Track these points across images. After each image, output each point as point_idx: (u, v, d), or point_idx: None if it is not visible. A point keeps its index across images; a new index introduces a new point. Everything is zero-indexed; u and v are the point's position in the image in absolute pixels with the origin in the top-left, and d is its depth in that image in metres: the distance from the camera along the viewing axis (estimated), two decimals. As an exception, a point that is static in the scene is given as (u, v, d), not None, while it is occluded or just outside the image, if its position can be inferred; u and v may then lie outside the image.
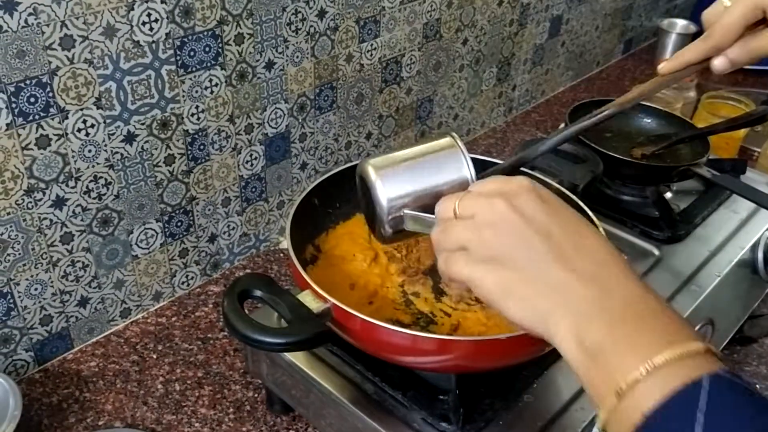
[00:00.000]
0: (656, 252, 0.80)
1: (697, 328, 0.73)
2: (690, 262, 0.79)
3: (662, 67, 0.62)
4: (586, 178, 0.74)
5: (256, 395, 0.77)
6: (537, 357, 0.59)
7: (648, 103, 0.99)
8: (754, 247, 0.83)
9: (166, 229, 0.84)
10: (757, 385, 0.81)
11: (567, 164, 0.76)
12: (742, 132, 1.13)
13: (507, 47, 1.22)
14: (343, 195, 0.73)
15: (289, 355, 0.66)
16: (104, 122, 0.72)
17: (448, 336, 0.56)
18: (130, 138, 0.75)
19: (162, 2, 0.71)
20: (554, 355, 0.66)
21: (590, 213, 0.68)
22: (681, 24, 1.53)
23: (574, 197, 0.70)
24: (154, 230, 0.83)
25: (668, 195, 0.90)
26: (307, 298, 0.55)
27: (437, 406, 0.60)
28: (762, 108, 0.89)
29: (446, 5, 1.04)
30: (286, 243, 0.62)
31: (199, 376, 0.79)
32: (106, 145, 0.73)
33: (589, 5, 1.38)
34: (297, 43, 0.86)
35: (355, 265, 0.70)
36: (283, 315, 0.54)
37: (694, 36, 1.54)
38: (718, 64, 0.59)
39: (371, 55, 0.97)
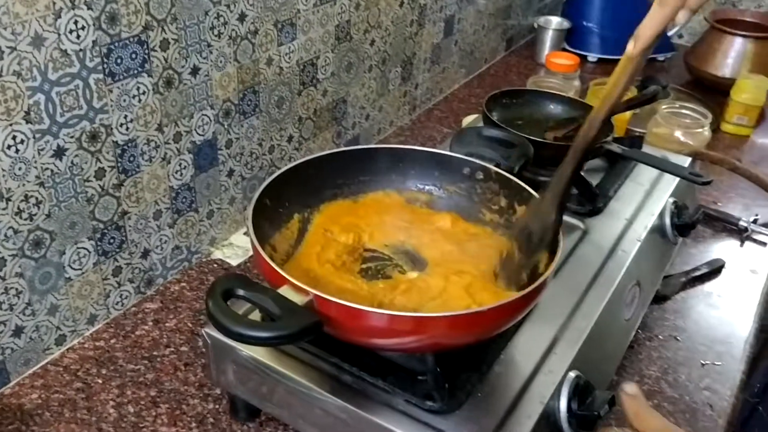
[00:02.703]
0: (581, 225, 0.87)
1: (628, 288, 0.80)
2: (612, 231, 0.86)
3: (630, 48, 0.60)
4: (520, 161, 0.78)
5: (217, 406, 0.75)
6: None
7: (552, 91, 1.07)
8: (662, 214, 0.91)
9: (99, 248, 0.80)
10: (677, 337, 0.89)
11: (500, 149, 0.80)
12: (628, 114, 1.24)
13: (409, 47, 1.26)
14: (291, 194, 0.74)
15: (261, 356, 0.65)
16: (33, 137, 0.68)
17: (436, 314, 0.58)
18: (59, 152, 0.71)
19: (88, 9, 0.68)
20: (514, 327, 0.70)
21: (532, 191, 0.73)
22: (556, 21, 1.65)
23: (516, 179, 0.74)
24: (86, 249, 0.78)
25: (581, 173, 0.97)
26: (288, 293, 0.55)
27: (418, 387, 0.62)
28: (653, 89, 0.99)
29: (355, 7, 1.07)
30: (252, 242, 0.61)
31: (152, 395, 0.76)
32: (36, 162, 0.69)
33: (475, 5, 1.46)
34: (220, 47, 0.85)
35: (312, 260, 0.70)
36: (271, 311, 0.53)
37: (569, 31, 1.66)
38: (682, 17, 0.58)
39: (289, 58, 0.97)
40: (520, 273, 0.67)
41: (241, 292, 0.55)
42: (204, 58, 0.84)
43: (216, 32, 0.84)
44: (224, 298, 0.54)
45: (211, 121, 0.88)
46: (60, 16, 0.66)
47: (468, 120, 1.30)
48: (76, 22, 0.68)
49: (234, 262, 0.96)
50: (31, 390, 0.75)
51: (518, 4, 1.66)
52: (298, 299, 0.55)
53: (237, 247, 0.99)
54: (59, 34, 0.66)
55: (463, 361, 0.66)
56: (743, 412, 0.79)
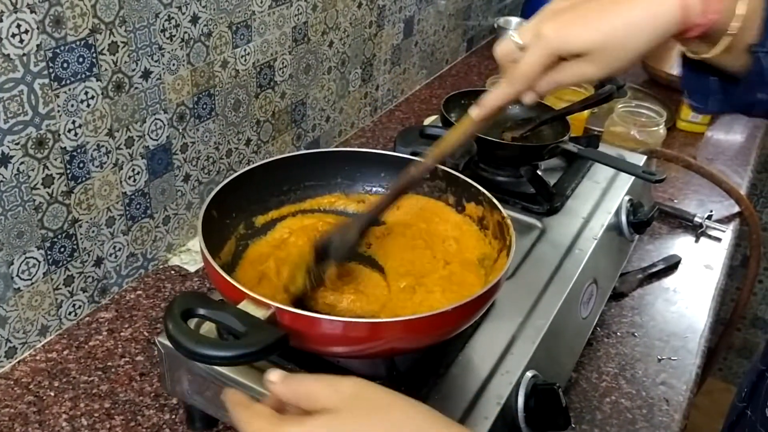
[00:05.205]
0: (539, 224, 0.87)
1: (585, 287, 0.80)
2: (569, 230, 0.87)
3: (475, 113, 0.61)
4: (464, 158, 0.79)
5: (173, 417, 0.74)
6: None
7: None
8: (618, 212, 0.92)
9: (49, 257, 0.78)
10: (635, 333, 0.90)
11: None
12: (586, 113, 1.25)
13: (368, 48, 1.26)
14: (237, 205, 0.73)
15: (217, 367, 0.64)
16: (-25, 144, 0.66)
17: (397, 318, 0.57)
18: (4, 160, 0.69)
19: (32, 12, 0.66)
20: (471, 328, 0.70)
21: (479, 187, 0.73)
22: (515, 21, 1.67)
23: (462, 177, 0.74)
24: (35, 259, 0.76)
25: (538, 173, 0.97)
26: (249, 308, 0.54)
27: (375, 391, 0.61)
28: (609, 88, 0.99)
29: (312, 8, 1.06)
30: (206, 258, 0.60)
31: (106, 407, 0.74)
32: (-22, 170, 0.67)
33: (435, 6, 1.46)
34: (172, 50, 0.84)
35: (258, 268, 0.69)
36: (235, 328, 0.52)
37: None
38: (528, 99, 0.59)
39: (245, 60, 0.96)
40: (302, 277, 0.66)
41: (201, 311, 0.53)
42: (156, 62, 0.82)
43: (167, 35, 0.82)
44: (184, 318, 0.52)
45: (164, 125, 0.87)
46: (1, 20, 0.64)
47: (429, 121, 1.30)
48: (18, 26, 0.66)
49: (192, 269, 0.95)
50: (-21, 405, 0.73)
51: (478, 5, 1.67)
52: (260, 314, 0.54)
53: (195, 253, 0.97)
54: (1, 38, 0.65)
55: (420, 363, 0.65)
56: (730, 416, 0.81)
